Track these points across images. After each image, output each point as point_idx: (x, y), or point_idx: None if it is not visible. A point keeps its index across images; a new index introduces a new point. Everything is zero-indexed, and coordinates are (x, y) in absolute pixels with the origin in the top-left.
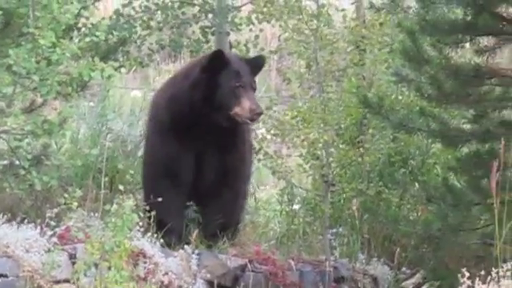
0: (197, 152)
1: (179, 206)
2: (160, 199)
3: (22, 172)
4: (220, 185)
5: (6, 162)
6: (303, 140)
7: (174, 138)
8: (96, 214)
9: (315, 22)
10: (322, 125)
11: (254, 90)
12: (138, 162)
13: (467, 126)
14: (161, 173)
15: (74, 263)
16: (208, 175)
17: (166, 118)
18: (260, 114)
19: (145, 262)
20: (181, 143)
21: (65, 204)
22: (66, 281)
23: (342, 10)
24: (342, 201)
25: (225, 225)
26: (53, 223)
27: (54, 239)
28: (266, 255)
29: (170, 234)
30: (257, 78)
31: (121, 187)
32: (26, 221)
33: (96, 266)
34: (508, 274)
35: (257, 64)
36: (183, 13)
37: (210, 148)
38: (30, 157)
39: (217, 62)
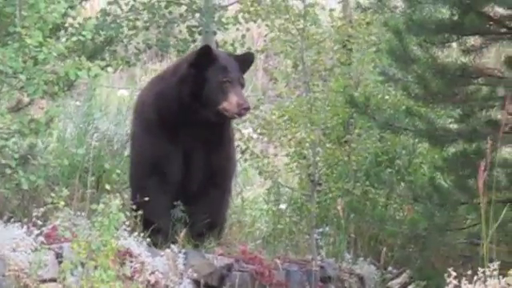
0: (184, 150)
1: (166, 206)
2: (147, 198)
3: (9, 171)
4: (207, 183)
5: None
6: (290, 139)
7: (162, 136)
8: (83, 214)
9: (302, 21)
10: (308, 124)
11: (243, 85)
12: (124, 162)
13: (454, 126)
14: (148, 172)
15: (60, 262)
16: (195, 174)
17: (153, 115)
18: (247, 108)
19: (131, 262)
20: (169, 142)
21: (51, 203)
22: (53, 280)
23: (331, 9)
24: (328, 200)
25: (212, 224)
26: (39, 222)
27: (41, 238)
28: (253, 255)
29: (157, 233)
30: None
31: (107, 186)
32: (12, 220)
33: (82, 265)
34: (494, 273)
35: (245, 60)
36: (170, 12)
37: (197, 146)
38: (16, 156)
39: (204, 58)
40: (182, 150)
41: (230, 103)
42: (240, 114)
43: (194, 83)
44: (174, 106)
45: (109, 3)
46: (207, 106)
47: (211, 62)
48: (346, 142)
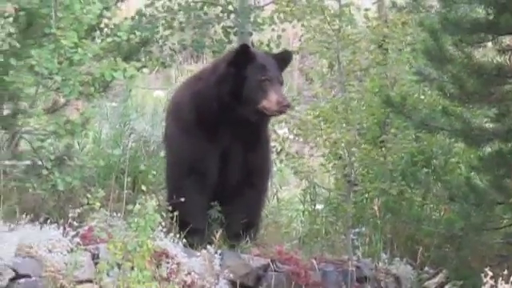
0: (221, 151)
1: (203, 206)
2: (183, 199)
3: (45, 172)
4: (244, 183)
5: (28, 163)
6: (326, 140)
7: (200, 136)
8: (119, 214)
9: (337, 21)
10: (344, 124)
11: (281, 83)
12: (160, 162)
13: (490, 125)
14: (186, 172)
15: (96, 263)
16: (232, 174)
17: (190, 115)
18: (288, 106)
19: (167, 262)
20: (206, 141)
21: (87, 204)
22: (89, 281)
23: (366, 9)
24: (364, 200)
25: (248, 224)
26: (75, 223)
27: (77, 239)
28: (289, 255)
29: (193, 234)
30: None
31: (143, 187)
32: (48, 221)
33: (119, 266)
34: None
35: (283, 59)
36: (205, 13)
37: (234, 146)
38: (52, 157)
39: (243, 56)
40: (219, 150)
41: (269, 101)
42: (280, 112)
43: (234, 82)
44: (214, 105)
45: (145, 5)
46: (247, 105)
47: (250, 61)
48: (381, 142)
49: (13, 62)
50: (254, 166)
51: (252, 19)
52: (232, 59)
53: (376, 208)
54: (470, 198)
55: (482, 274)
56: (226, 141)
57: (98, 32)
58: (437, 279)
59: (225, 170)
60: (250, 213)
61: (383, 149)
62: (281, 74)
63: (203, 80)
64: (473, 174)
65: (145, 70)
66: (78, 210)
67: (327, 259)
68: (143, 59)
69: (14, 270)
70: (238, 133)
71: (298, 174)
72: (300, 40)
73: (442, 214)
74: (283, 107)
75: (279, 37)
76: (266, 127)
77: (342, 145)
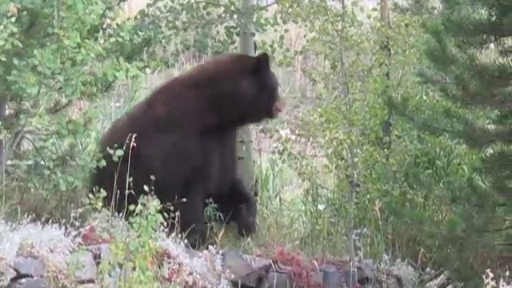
0: (219, 154)
1: (203, 207)
2: (185, 199)
3: (47, 172)
4: (236, 181)
5: (30, 162)
6: (328, 140)
7: (207, 141)
8: (120, 215)
9: (341, 22)
10: (347, 125)
11: None
12: None
13: (492, 127)
14: (195, 177)
15: (98, 263)
16: (228, 173)
17: (208, 119)
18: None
19: (169, 263)
20: (213, 146)
21: (89, 204)
22: (91, 281)
23: (374, 9)
24: (366, 201)
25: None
26: (77, 223)
27: (79, 239)
28: (291, 256)
29: (194, 234)
30: (282, 79)
31: (145, 187)
32: (50, 221)
33: (120, 266)
34: None
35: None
36: (208, 13)
37: (226, 148)
38: (54, 157)
39: (264, 64)
40: (219, 153)
41: (280, 104)
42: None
43: (256, 86)
44: (240, 108)
45: (148, 5)
46: (265, 107)
47: (268, 67)
48: (384, 143)
49: (15, 61)
50: (237, 164)
51: (255, 20)
52: (256, 66)
53: (377, 209)
54: (472, 200)
55: (484, 276)
56: (223, 145)
57: (100, 32)
58: (438, 280)
59: (223, 171)
60: (250, 208)
61: (386, 150)
62: None
63: (218, 83)
64: (475, 175)
65: (147, 70)
66: (80, 210)
67: (329, 260)
68: (146, 59)
69: (16, 270)
70: (230, 136)
71: (301, 174)
72: (305, 40)
73: (444, 215)
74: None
75: (282, 37)
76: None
77: (345, 145)
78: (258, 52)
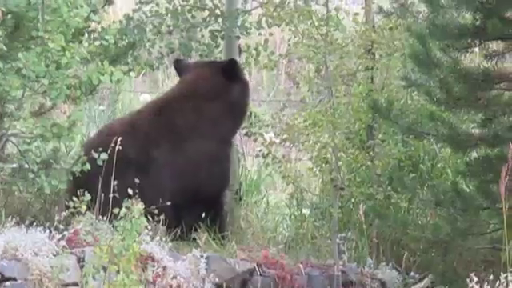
0: None
1: None
2: (169, 203)
3: (31, 175)
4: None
5: (15, 166)
6: (313, 144)
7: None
8: (105, 218)
9: (325, 26)
10: (331, 129)
11: None
12: None
13: (476, 131)
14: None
15: (82, 267)
16: None
17: (229, 127)
18: None
19: (153, 266)
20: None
21: (74, 207)
22: (75, 284)
23: (356, 13)
24: (351, 205)
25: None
26: (61, 227)
27: (63, 243)
28: (275, 259)
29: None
30: (266, 82)
31: (130, 191)
32: (34, 224)
33: (104, 269)
34: None
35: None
36: (193, 16)
37: None
38: (39, 160)
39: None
40: None
41: None
42: None
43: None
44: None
45: (134, 11)
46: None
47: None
48: (369, 146)
49: (0, 64)
50: None
51: (239, 23)
52: (237, 70)
53: (361, 213)
54: (457, 203)
55: (468, 279)
56: None
57: (85, 36)
58: (422, 284)
59: None
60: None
61: (370, 153)
62: None
63: (233, 91)
64: (459, 179)
65: (132, 74)
66: (64, 214)
67: (313, 264)
68: (130, 63)
69: (0, 273)
70: None
71: (285, 178)
72: (289, 44)
73: (428, 218)
74: None
75: (266, 41)
76: None
77: (330, 149)
78: (243, 55)
